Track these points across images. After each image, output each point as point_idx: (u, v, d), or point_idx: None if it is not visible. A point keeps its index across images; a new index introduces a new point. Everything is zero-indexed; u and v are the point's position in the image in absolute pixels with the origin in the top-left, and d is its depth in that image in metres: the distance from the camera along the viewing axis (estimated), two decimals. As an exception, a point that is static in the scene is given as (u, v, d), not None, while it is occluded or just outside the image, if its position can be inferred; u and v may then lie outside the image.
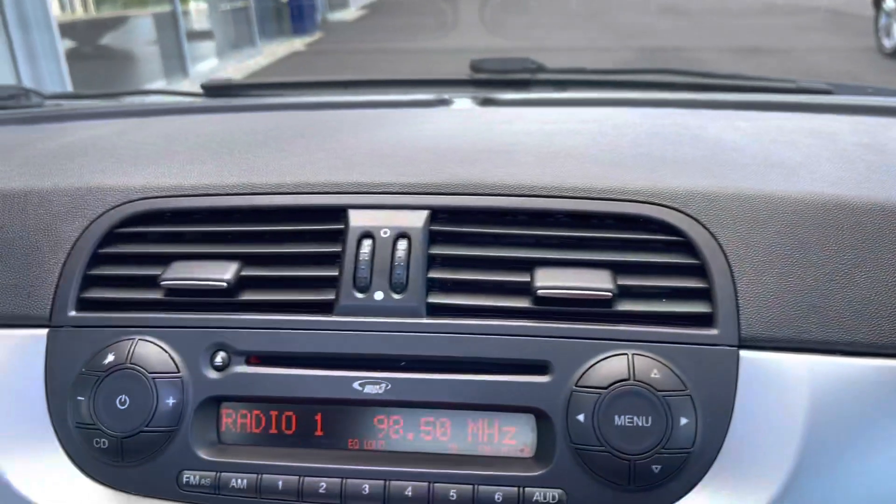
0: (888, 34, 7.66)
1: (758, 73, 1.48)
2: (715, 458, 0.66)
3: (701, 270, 0.71)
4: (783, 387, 0.66)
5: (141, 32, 7.97)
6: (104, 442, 0.69)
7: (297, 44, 11.29)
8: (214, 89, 1.64)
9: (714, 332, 0.68)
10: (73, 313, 0.74)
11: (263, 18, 11.19)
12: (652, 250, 0.73)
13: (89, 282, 0.76)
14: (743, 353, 0.67)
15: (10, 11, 4.74)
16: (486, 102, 1.33)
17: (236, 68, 8.96)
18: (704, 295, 0.70)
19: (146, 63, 7.78)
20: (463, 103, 1.29)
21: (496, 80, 1.55)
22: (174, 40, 8.32)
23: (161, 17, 8.03)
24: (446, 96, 1.40)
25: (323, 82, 1.77)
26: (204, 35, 9.49)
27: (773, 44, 8.52)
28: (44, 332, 0.73)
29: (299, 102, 1.36)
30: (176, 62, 8.19)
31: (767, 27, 9.91)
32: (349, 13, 16.13)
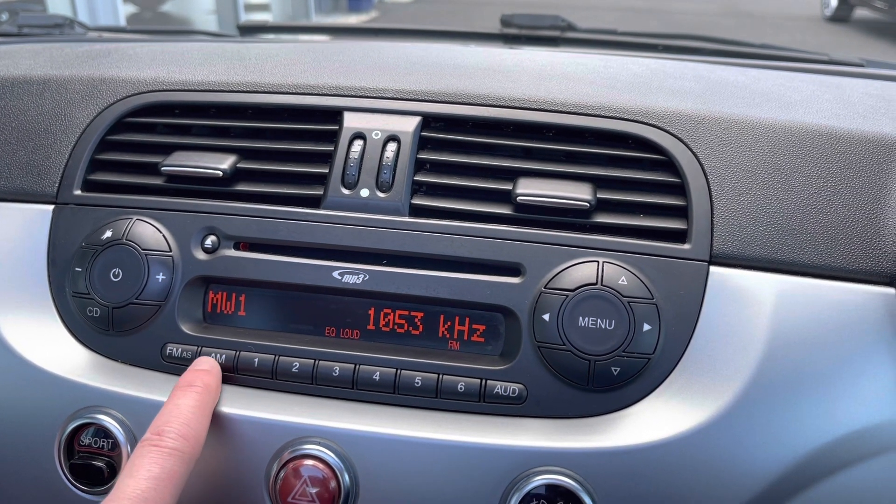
0: (827, 5, 10.63)
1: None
2: (674, 367, 0.67)
3: (681, 189, 0.72)
4: (748, 303, 0.67)
5: (200, 1, 8.12)
6: (96, 311, 0.73)
7: (352, 20, 11.37)
8: (250, 30, 1.68)
9: (686, 246, 0.69)
10: (78, 192, 0.78)
11: (321, -8, 11.30)
12: (635, 167, 0.74)
13: (96, 165, 0.80)
14: (713, 269, 0.68)
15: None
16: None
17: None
18: (681, 213, 0.71)
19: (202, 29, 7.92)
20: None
21: (525, 35, 1.56)
22: (231, 9, 8.45)
23: (220, -15, 8.18)
24: (473, 46, 1.42)
25: (355, 28, 1.80)
26: (261, 6, 9.63)
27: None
28: (50, 208, 0.78)
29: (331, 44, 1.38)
30: (231, 30, 8.33)
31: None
32: (407, -5, 16.16)
